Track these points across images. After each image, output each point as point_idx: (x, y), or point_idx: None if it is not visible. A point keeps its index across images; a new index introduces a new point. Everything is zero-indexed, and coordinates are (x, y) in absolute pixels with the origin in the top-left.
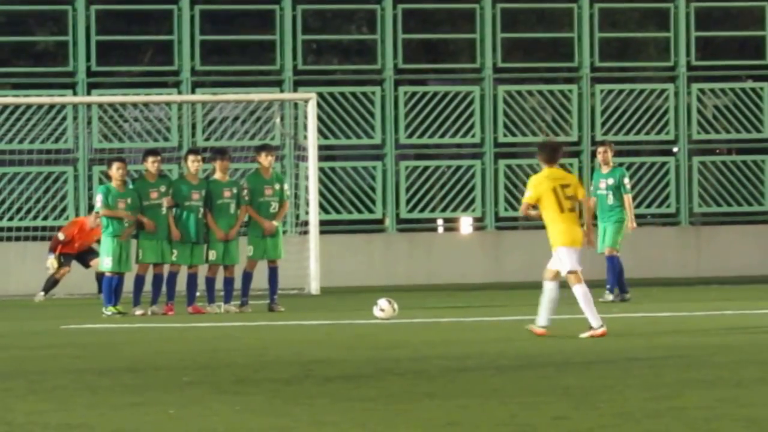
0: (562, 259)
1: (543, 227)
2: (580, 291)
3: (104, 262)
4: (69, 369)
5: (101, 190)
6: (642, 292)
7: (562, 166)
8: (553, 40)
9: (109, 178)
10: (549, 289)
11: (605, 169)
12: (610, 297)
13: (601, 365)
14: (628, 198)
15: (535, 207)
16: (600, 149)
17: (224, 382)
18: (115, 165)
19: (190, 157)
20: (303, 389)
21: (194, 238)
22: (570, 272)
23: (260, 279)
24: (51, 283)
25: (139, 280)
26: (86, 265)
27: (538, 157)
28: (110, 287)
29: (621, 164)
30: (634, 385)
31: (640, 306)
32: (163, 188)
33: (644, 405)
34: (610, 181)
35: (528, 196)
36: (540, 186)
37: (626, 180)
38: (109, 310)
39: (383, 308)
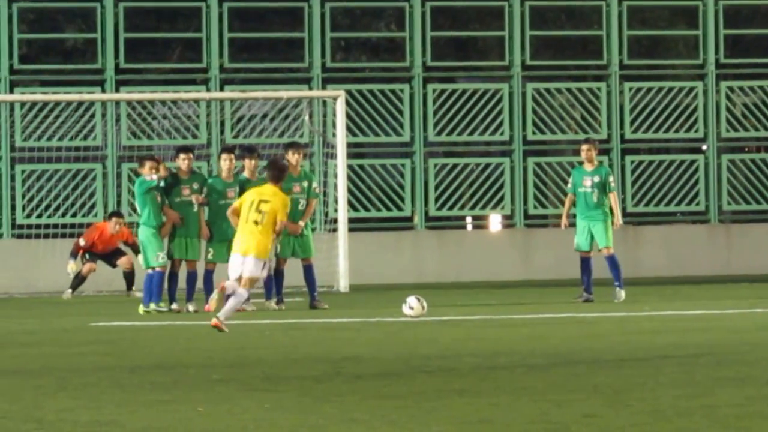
0: None
1: (572, 225)
2: None
3: (160, 257)
4: (98, 366)
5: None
6: (672, 290)
7: (601, 163)
8: (582, 37)
9: (138, 175)
10: None
11: (589, 167)
12: (623, 294)
13: (631, 363)
14: (614, 195)
15: None
16: (584, 147)
17: (254, 380)
18: (148, 164)
19: (224, 156)
20: (333, 387)
21: (230, 236)
22: None
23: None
24: (78, 281)
25: (172, 277)
26: (113, 266)
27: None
28: (160, 284)
29: (602, 162)
30: (665, 383)
31: (670, 304)
32: (195, 185)
33: (675, 403)
34: (596, 178)
35: None
36: None
37: (611, 178)
38: (160, 306)
39: (412, 306)
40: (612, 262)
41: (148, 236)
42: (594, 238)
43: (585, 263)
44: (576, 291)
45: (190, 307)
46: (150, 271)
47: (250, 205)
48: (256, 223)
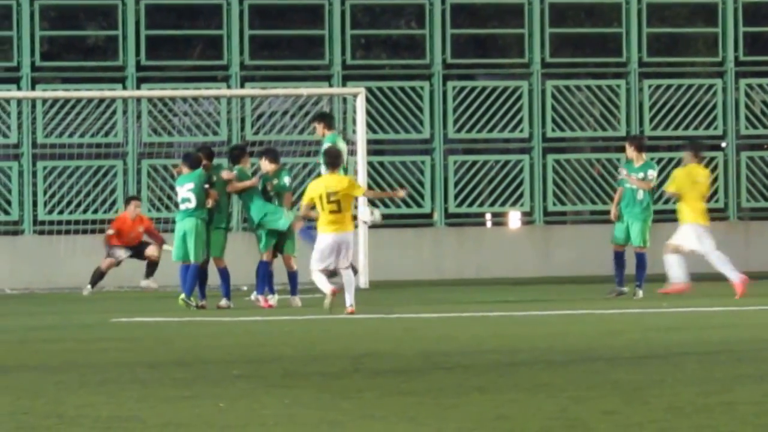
0: None
1: (592, 222)
2: None
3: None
4: (119, 362)
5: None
6: (692, 287)
7: (651, 159)
8: (602, 35)
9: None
10: None
11: (637, 164)
12: (641, 293)
13: (650, 360)
14: (644, 184)
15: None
16: (633, 144)
17: (273, 376)
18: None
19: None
20: (352, 383)
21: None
22: None
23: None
24: (97, 276)
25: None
26: (142, 257)
27: None
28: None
29: (652, 159)
30: (684, 379)
31: (690, 301)
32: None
33: (694, 400)
34: (641, 175)
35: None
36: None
37: (651, 172)
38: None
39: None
40: (641, 261)
41: (202, 230)
42: (631, 234)
43: (619, 257)
44: (599, 288)
45: (223, 302)
46: (189, 264)
47: (320, 198)
48: (334, 212)
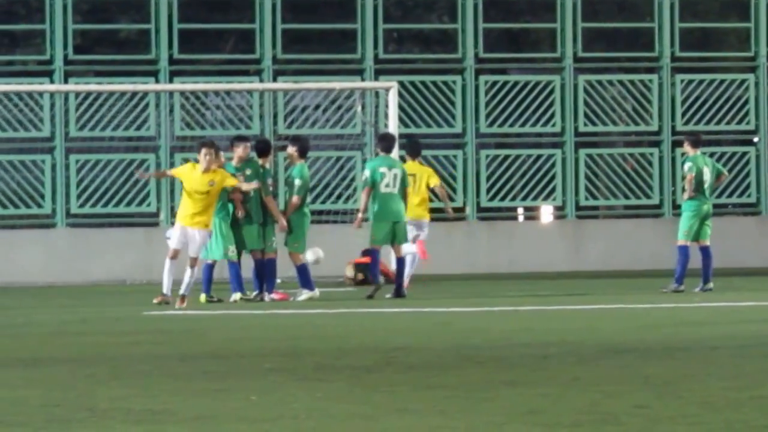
0: None
1: (624, 216)
2: None
3: (229, 250)
4: (151, 355)
5: (229, 168)
6: (723, 282)
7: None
8: (634, 29)
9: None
10: None
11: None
12: (673, 286)
13: (682, 354)
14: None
15: None
16: (688, 140)
17: (305, 369)
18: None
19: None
20: (384, 377)
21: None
22: None
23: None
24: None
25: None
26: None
27: None
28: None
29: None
30: (716, 374)
31: (721, 295)
32: (248, 172)
33: (726, 394)
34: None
35: None
36: None
37: (686, 166)
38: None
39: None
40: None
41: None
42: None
43: (685, 252)
44: (630, 282)
45: (266, 297)
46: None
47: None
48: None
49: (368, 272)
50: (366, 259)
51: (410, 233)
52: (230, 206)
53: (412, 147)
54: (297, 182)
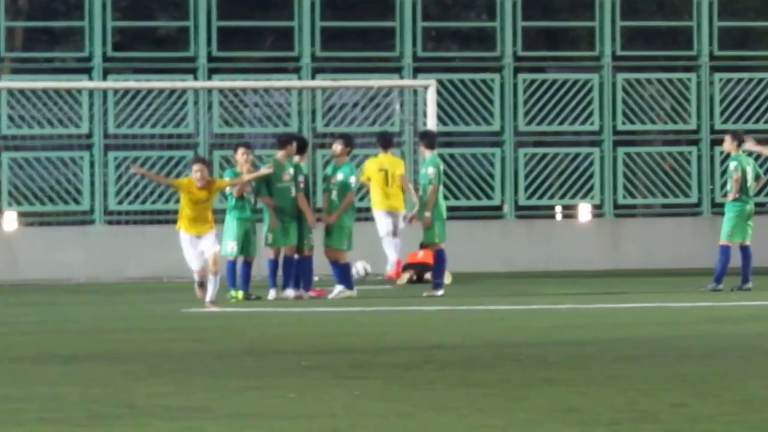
0: None
1: (662, 215)
2: None
3: (228, 246)
4: (189, 352)
5: (229, 173)
6: (762, 282)
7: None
8: (673, 28)
9: (230, 162)
10: None
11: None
12: (711, 285)
13: (720, 353)
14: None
15: None
16: (734, 138)
17: (343, 367)
18: (240, 150)
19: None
20: (422, 374)
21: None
22: None
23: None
24: None
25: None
26: None
27: None
28: (233, 271)
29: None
30: (753, 372)
31: (759, 295)
32: (291, 170)
33: (763, 393)
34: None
35: None
36: None
37: (732, 165)
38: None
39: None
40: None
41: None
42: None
43: (727, 252)
44: (668, 281)
45: (290, 293)
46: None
47: None
48: None
49: (425, 271)
50: (421, 259)
51: (388, 225)
52: (246, 204)
53: (384, 139)
54: (431, 171)
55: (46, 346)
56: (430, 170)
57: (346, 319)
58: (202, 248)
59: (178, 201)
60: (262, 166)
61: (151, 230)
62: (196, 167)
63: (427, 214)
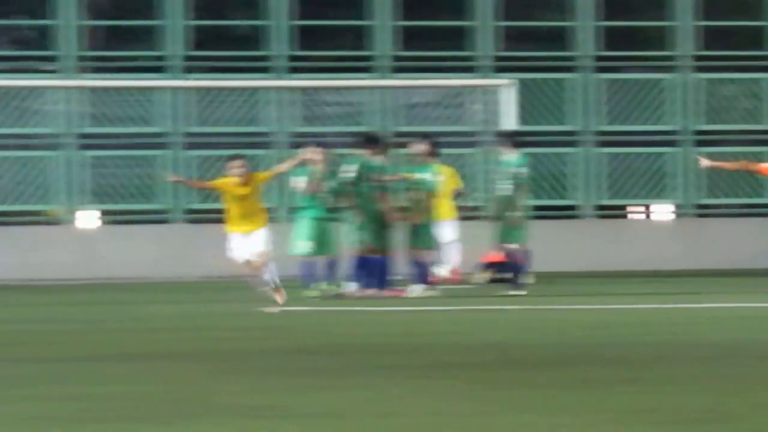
0: None
1: (742, 215)
2: None
3: (301, 246)
4: (269, 350)
5: (303, 172)
6: None
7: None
8: (753, 28)
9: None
10: None
11: None
12: None
13: None
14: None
15: None
16: None
17: (423, 366)
18: (316, 149)
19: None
20: (502, 374)
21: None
22: None
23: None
24: None
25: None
26: None
27: None
28: (310, 270)
29: None
30: None
31: None
32: (372, 170)
33: None
34: None
35: None
36: None
37: None
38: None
39: None
40: None
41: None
42: None
43: None
44: (750, 282)
45: (369, 292)
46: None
47: None
48: None
49: (505, 271)
50: (500, 258)
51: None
52: (320, 203)
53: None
54: (523, 171)
55: (127, 345)
56: (523, 170)
57: (426, 318)
58: (250, 247)
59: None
60: (344, 165)
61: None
62: (237, 163)
63: (518, 213)
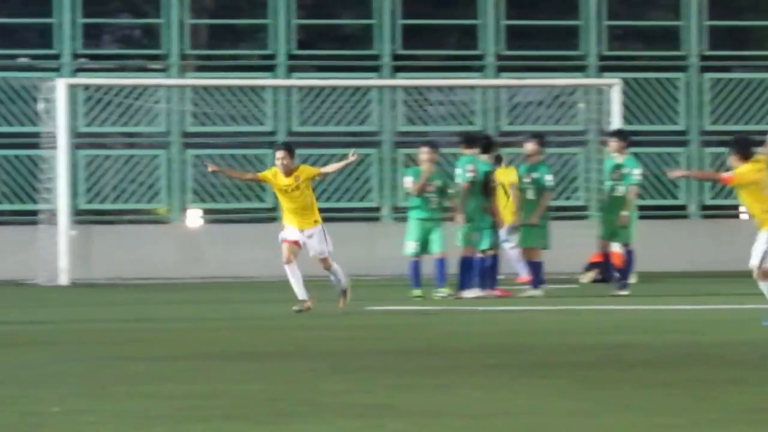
0: None
1: None
2: None
3: (409, 246)
4: (373, 350)
5: (412, 172)
6: None
7: None
8: None
9: (415, 161)
10: None
11: None
12: None
13: None
14: None
15: None
16: None
17: (528, 366)
18: (425, 149)
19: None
20: (606, 374)
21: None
22: None
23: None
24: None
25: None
26: None
27: None
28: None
29: None
30: None
31: None
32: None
33: None
34: None
35: None
36: None
37: None
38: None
39: None
40: None
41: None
42: None
43: None
44: None
45: (475, 292)
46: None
47: None
48: None
49: (609, 271)
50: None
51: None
52: (426, 204)
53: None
54: (637, 172)
55: (230, 344)
56: (636, 171)
57: (531, 318)
58: (308, 247)
59: (362, 198)
60: (459, 165)
61: (335, 228)
62: (279, 154)
63: (626, 213)
